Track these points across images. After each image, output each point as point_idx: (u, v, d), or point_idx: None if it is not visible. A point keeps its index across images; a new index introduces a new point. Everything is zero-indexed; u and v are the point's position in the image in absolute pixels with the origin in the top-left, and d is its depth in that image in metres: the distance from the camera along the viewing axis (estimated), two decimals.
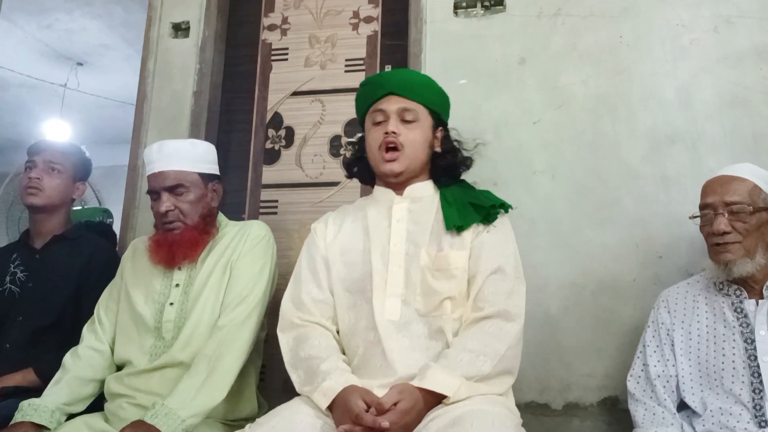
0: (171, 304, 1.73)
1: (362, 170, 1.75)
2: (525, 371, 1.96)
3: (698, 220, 1.63)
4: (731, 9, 2.10)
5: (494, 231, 1.58)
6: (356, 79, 2.29)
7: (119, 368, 1.75)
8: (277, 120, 2.46)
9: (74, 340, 1.79)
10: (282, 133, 2.44)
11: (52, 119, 5.51)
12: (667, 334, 1.63)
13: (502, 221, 1.62)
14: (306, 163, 2.38)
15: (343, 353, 1.56)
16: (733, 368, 1.51)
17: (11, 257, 2.06)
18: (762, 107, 2.01)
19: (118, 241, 2.38)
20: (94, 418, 1.63)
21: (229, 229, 1.85)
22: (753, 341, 1.50)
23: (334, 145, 2.37)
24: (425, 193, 1.66)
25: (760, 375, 1.47)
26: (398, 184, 1.65)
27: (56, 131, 5.36)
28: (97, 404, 1.72)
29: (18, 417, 1.53)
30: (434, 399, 1.34)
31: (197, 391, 1.53)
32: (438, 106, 1.68)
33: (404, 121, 1.60)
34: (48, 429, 1.54)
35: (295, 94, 2.45)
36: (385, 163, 1.60)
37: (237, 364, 1.62)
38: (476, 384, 1.37)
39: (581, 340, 1.97)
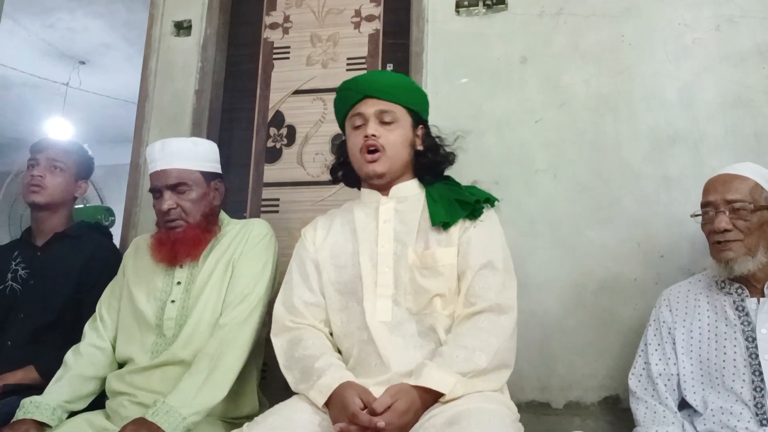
0: (172, 301, 1.73)
1: (347, 174, 1.76)
2: (526, 370, 1.97)
3: (699, 218, 1.63)
4: (733, 9, 2.09)
5: (481, 226, 1.58)
6: None
7: (121, 366, 1.75)
8: (278, 119, 2.46)
9: (75, 337, 1.79)
10: (283, 131, 2.45)
11: (55, 118, 5.51)
12: (669, 333, 1.63)
13: (489, 215, 1.62)
14: (307, 161, 2.38)
15: (338, 353, 1.57)
16: (735, 366, 1.50)
17: (13, 254, 2.06)
18: (764, 107, 2.01)
19: (120, 240, 2.38)
20: (96, 416, 1.63)
21: (230, 228, 1.85)
22: (754, 339, 1.50)
23: (336, 143, 2.37)
24: (411, 192, 1.66)
25: (761, 373, 1.46)
26: (383, 184, 1.65)
27: (58, 130, 5.37)
28: (98, 402, 1.72)
29: (20, 414, 1.53)
30: (431, 397, 1.35)
31: (198, 389, 1.53)
32: (416, 105, 1.68)
33: (383, 123, 1.61)
34: (49, 426, 1.54)
35: (297, 92, 2.46)
36: (367, 164, 1.60)
37: (238, 363, 1.62)
38: (473, 380, 1.37)
39: (582, 339, 1.97)
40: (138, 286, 1.79)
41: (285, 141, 2.44)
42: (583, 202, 2.06)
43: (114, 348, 1.77)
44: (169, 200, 1.73)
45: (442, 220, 1.56)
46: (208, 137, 2.35)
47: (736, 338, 1.53)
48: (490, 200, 1.64)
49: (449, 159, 1.74)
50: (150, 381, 1.64)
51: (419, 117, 1.70)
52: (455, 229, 1.57)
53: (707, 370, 1.55)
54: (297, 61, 2.49)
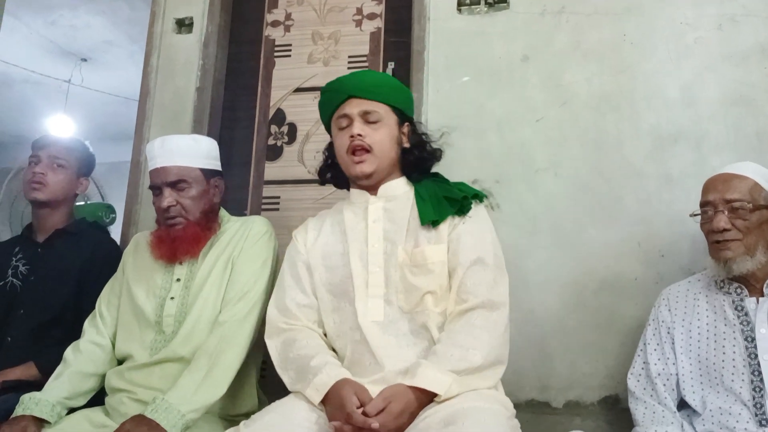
0: (172, 298, 1.73)
1: (335, 176, 1.75)
2: (526, 369, 1.97)
3: (699, 218, 1.63)
4: (736, 7, 2.09)
5: (470, 222, 1.58)
6: None
7: (120, 362, 1.75)
8: (279, 116, 2.46)
9: (75, 334, 1.79)
10: (284, 129, 2.44)
11: (56, 115, 5.53)
12: (668, 332, 1.63)
13: (478, 211, 1.61)
14: (308, 159, 2.38)
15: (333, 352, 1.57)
16: (734, 366, 1.50)
17: (13, 251, 2.06)
18: (766, 106, 2.00)
19: (120, 237, 2.39)
20: (95, 413, 1.63)
21: (230, 225, 1.85)
22: (753, 339, 1.49)
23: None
24: (399, 190, 1.66)
25: (760, 373, 1.46)
26: (372, 184, 1.65)
27: (60, 127, 5.38)
28: (98, 398, 1.72)
29: (19, 410, 1.53)
30: (426, 397, 1.34)
31: (198, 386, 1.53)
32: (400, 103, 1.67)
33: (368, 123, 1.61)
34: (49, 423, 1.54)
35: (298, 90, 2.45)
36: (355, 165, 1.60)
37: (237, 360, 1.62)
38: (468, 379, 1.37)
39: (583, 338, 1.97)
40: (137, 283, 1.79)
41: (286, 139, 2.44)
42: (584, 201, 2.05)
43: (113, 345, 1.77)
44: (168, 197, 1.73)
45: (430, 219, 1.56)
46: (209, 135, 2.35)
47: (735, 338, 1.52)
48: (478, 196, 1.63)
49: (436, 155, 1.73)
50: (149, 378, 1.64)
51: (404, 115, 1.69)
52: (444, 226, 1.56)
53: (706, 370, 1.55)
54: (298, 59, 2.49)
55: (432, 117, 2.18)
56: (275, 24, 2.55)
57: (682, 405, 1.59)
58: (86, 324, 1.80)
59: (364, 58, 2.43)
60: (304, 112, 2.42)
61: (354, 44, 2.45)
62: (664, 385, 1.58)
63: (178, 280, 1.76)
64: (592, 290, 1.99)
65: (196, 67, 2.47)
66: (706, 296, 1.62)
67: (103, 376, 1.72)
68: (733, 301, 1.56)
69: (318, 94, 2.41)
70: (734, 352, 1.51)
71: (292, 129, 2.44)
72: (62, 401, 1.60)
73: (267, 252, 1.80)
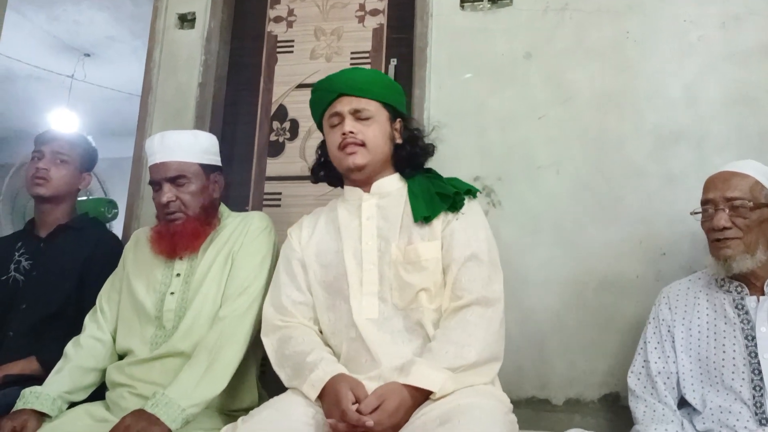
0: (172, 293, 1.73)
1: (328, 174, 1.75)
2: (526, 367, 1.97)
3: (699, 216, 1.62)
4: (739, 6, 2.08)
5: (463, 218, 1.58)
6: None
7: (121, 357, 1.76)
8: (281, 112, 2.46)
9: (77, 329, 1.80)
10: (286, 125, 2.45)
11: (59, 110, 5.52)
12: (668, 331, 1.63)
13: (471, 207, 1.61)
14: (310, 155, 2.37)
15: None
16: (734, 365, 1.50)
17: (16, 246, 2.06)
18: None
19: (122, 232, 2.39)
20: (95, 407, 1.64)
21: (230, 221, 1.85)
22: (754, 338, 1.49)
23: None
24: (393, 187, 1.66)
25: (760, 372, 1.46)
26: (365, 180, 1.65)
27: (63, 122, 5.38)
28: (98, 393, 1.73)
29: (20, 404, 1.54)
30: (421, 395, 1.34)
31: (198, 381, 1.54)
32: (391, 99, 1.67)
33: (359, 120, 1.61)
34: (49, 416, 1.55)
35: (300, 86, 2.45)
36: (347, 157, 1.59)
37: (237, 355, 1.63)
38: (463, 375, 1.37)
39: (583, 336, 1.97)
40: (138, 278, 1.80)
41: (288, 135, 2.44)
42: (586, 200, 2.05)
43: (114, 340, 1.78)
44: (168, 193, 1.73)
45: (423, 215, 1.56)
46: (211, 131, 2.35)
47: (735, 337, 1.52)
48: (471, 191, 1.63)
49: (428, 150, 1.73)
50: (150, 373, 1.64)
51: (396, 111, 1.69)
52: (438, 223, 1.56)
53: (706, 369, 1.54)
54: (301, 55, 2.49)
55: (434, 114, 2.18)
56: (278, 20, 2.55)
57: (683, 403, 1.59)
58: (87, 319, 1.80)
59: (367, 55, 2.42)
60: (306, 109, 2.37)
61: (356, 40, 2.45)
62: (665, 383, 1.58)
63: (178, 275, 1.76)
64: (593, 288, 1.99)
65: (199, 62, 2.47)
66: (707, 295, 1.62)
67: (104, 371, 1.73)
68: (734, 300, 1.56)
69: None
70: (734, 351, 1.51)
71: (294, 125, 2.44)
72: (63, 395, 1.61)
73: (267, 247, 1.80)
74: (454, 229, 1.55)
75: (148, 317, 1.73)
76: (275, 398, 1.44)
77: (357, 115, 1.61)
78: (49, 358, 1.77)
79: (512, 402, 1.48)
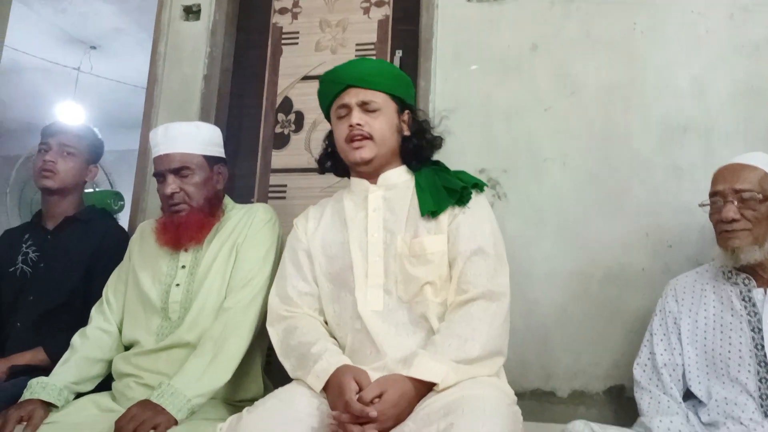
0: (177, 285, 1.74)
1: (335, 164, 1.75)
2: (531, 359, 1.97)
3: (708, 208, 1.62)
4: None
5: (469, 212, 1.57)
6: None
7: (127, 349, 1.77)
8: (286, 104, 2.46)
9: (84, 320, 1.81)
10: (291, 117, 2.44)
11: (66, 102, 5.54)
12: (674, 323, 1.62)
13: (478, 201, 1.61)
14: (315, 147, 2.37)
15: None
16: (740, 357, 1.50)
17: (23, 238, 2.08)
18: None
19: (128, 224, 2.40)
20: (102, 397, 1.65)
21: (234, 212, 1.85)
22: (760, 330, 1.49)
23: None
24: (399, 179, 1.66)
25: (766, 364, 1.46)
26: (372, 172, 1.64)
27: (70, 114, 5.39)
28: (105, 383, 1.74)
29: (27, 395, 1.55)
30: (424, 387, 1.34)
31: (203, 371, 1.54)
32: (399, 91, 1.66)
33: (367, 112, 1.60)
34: (56, 407, 1.56)
35: (306, 78, 2.45)
36: (354, 151, 1.59)
37: (242, 346, 1.63)
38: (466, 367, 1.37)
39: (589, 328, 1.97)
40: (143, 270, 1.80)
41: (293, 127, 2.44)
42: (592, 192, 2.05)
43: (120, 331, 1.79)
44: (172, 184, 1.73)
45: (430, 210, 1.55)
46: (216, 123, 2.35)
47: (742, 329, 1.52)
48: (478, 185, 1.62)
49: (436, 143, 1.72)
50: (156, 363, 1.65)
51: (404, 102, 1.68)
52: (444, 216, 1.56)
53: (712, 361, 1.54)
54: (306, 47, 2.48)
55: (439, 105, 2.17)
56: (283, 11, 2.54)
57: (688, 395, 1.59)
58: (93, 311, 1.81)
59: (372, 46, 2.42)
60: (312, 101, 2.39)
61: (362, 32, 2.44)
62: (670, 375, 1.58)
63: (183, 266, 1.77)
64: (599, 280, 1.99)
65: (204, 54, 2.47)
66: (714, 287, 1.61)
67: (110, 362, 1.73)
68: (741, 292, 1.55)
69: None
70: (741, 343, 1.51)
71: (299, 117, 2.44)
72: (69, 386, 1.62)
73: (271, 239, 1.80)
74: (461, 222, 1.55)
75: (153, 309, 1.73)
76: (280, 389, 1.44)
77: (365, 107, 1.60)
78: (56, 349, 1.78)
79: (517, 394, 1.49)
